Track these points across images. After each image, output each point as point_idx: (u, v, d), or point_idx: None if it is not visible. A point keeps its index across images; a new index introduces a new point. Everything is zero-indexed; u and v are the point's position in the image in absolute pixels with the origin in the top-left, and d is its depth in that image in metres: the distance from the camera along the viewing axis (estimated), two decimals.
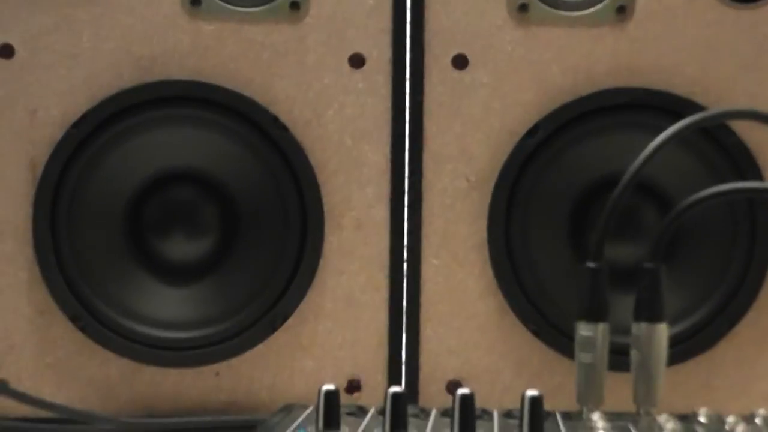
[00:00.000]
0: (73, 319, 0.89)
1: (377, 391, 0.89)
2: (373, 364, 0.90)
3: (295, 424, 0.68)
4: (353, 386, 0.90)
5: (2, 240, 0.90)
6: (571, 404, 0.76)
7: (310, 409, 0.74)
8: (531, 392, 0.67)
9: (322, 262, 0.90)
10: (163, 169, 0.90)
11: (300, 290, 0.90)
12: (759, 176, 0.89)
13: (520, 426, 0.66)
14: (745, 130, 0.89)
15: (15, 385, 0.87)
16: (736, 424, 0.69)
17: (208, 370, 0.90)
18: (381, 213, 0.90)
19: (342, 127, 0.91)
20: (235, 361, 0.90)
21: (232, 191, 0.90)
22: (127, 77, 0.90)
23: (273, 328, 0.90)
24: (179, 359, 0.89)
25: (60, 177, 0.90)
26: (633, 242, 0.89)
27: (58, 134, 0.90)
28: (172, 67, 0.90)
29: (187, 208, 0.91)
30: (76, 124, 0.90)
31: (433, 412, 0.74)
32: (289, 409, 0.75)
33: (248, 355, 0.90)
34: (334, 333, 0.90)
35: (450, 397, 0.87)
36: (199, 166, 0.90)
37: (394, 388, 0.67)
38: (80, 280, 0.89)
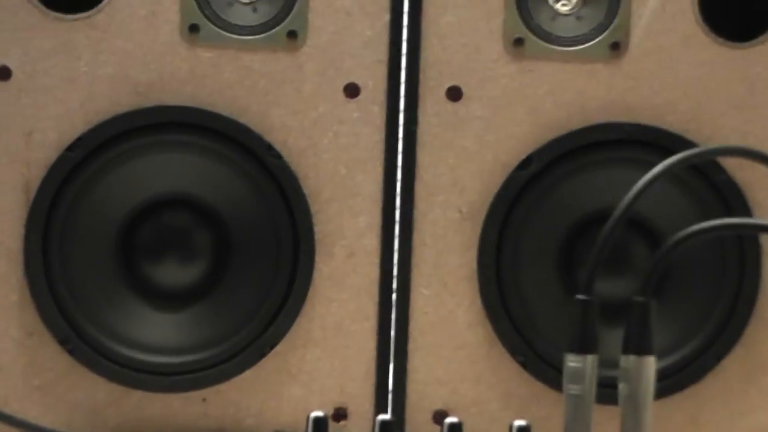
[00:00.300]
0: (62, 341, 0.89)
1: (364, 420, 0.89)
2: (361, 393, 0.90)
3: None
4: (340, 414, 0.90)
5: None
6: None
7: None
8: (519, 422, 0.68)
9: (312, 289, 0.90)
10: (157, 195, 0.91)
11: (290, 317, 0.90)
12: (748, 213, 0.90)
13: None
14: (735, 167, 0.90)
15: (2, 407, 0.87)
16: None
17: (195, 396, 0.90)
18: (372, 242, 0.91)
19: (336, 156, 0.91)
20: (222, 387, 0.90)
21: (225, 218, 0.91)
22: (124, 102, 0.91)
23: (262, 354, 0.90)
24: (167, 384, 0.89)
25: (53, 200, 0.90)
26: (623, 277, 0.89)
27: (53, 157, 0.90)
28: (169, 93, 0.91)
29: (180, 234, 0.91)
30: (72, 148, 0.90)
31: None
32: None
33: (236, 381, 0.90)
34: (322, 361, 0.90)
35: (437, 428, 0.87)
36: (192, 193, 0.91)
37: (383, 416, 0.68)
38: (70, 303, 0.89)
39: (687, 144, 0.88)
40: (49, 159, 0.90)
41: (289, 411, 0.90)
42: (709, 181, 0.90)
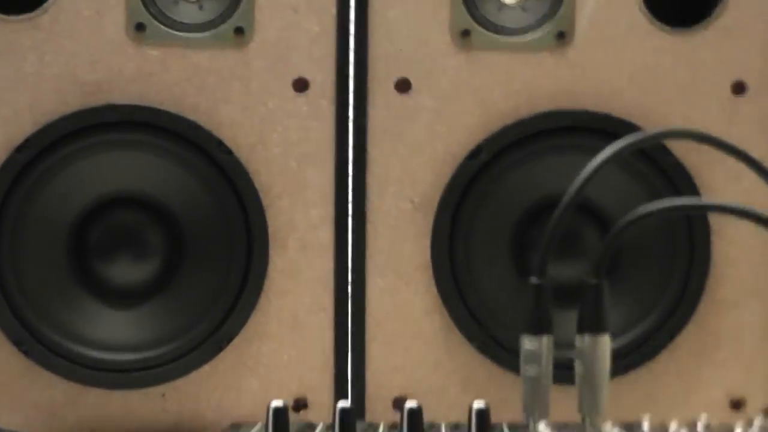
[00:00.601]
0: (16, 342, 0.89)
1: (324, 410, 0.89)
2: (320, 383, 0.90)
3: None
4: (300, 405, 0.90)
5: None
6: (516, 418, 0.77)
7: (259, 425, 0.74)
8: (478, 404, 0.68)
9: (267, 283, 0.91)
10: (107, 194, 0.90)
11: (245, 311, 0.90)
12: (696, 195, 0.91)
13: None
14: (682, 151, 0.91)
15: None
16: (678, 431, 0.70)
17: (154, 392, 0.90)
18: (325, 234, 0.91)
19: (286, 151, 0.91)
20: (180, 382, 0.90)
21: (176, 215, 0.91)
22: (72, 102, 0.90)
23: (219, 348, 0.90)
24: (124, 381, 0.89)
25: (3, 201, 0.89)
26: (574, 262, 0.90)
27: (2, 158, 0.89)
28: (117, 92, 0.91)
29: (132, 232, 0.91)
30: (20, 149, 0.89)
31: (381, 426, 0.74)
32: (237, 427, 0.75)
33: (194, 375, 0.90)
34: (279, 353, 0.91)
35: (397, 414, 0.87)
36: (143, 190, 0.91)
37: (342, 403, 0.68)
38: (24, 304, 0.89)
39: (634, 129, 0.90)
40: None
41: (248, 403, 0.90)
42: (657, 164, 0.91)
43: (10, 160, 0.89)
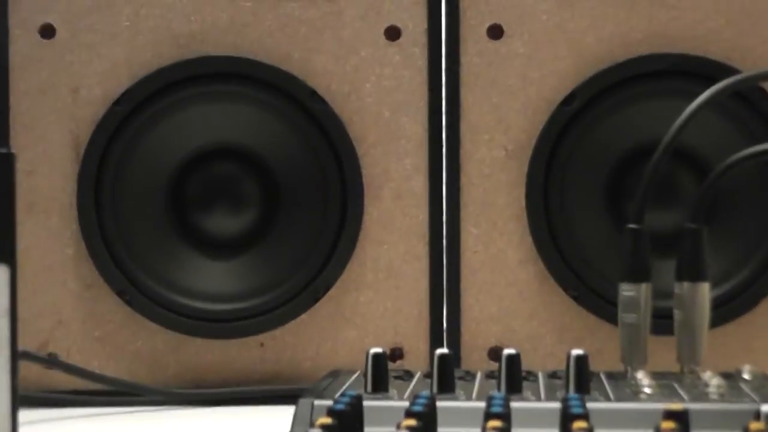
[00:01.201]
0: (120, 293, 0.91)
1: (419, 359, 0.90)
2: (415, 333, 0.91)
3: (344, 387, 0.69)
4: (396, 354, 0.91)
5: (48, 217, 0.91)
6: (613, 368, 0.77)
7: (357, 373, 0.75)
8: (576, 351, 0.68)
9: (362, 233, 0.91)
10: (204, 145, 0.92)
11: (341, 261, 0.91)
12: None
13: (567, 385, 0.67)
14: None
15: (64, 359, 0.88)
16: None
17: (252, 341, 0.91)
18: (419, 184, 0.91)
19: (380, 100, 0.92)
20: (278, 332, 0.91)
21: (272, 165, 0.91)
22: (167, 55, 0.91)
23: (315, 298, 0.91)
24: (224, 331, 0.91)
25: (103, 154, 0.91)
26: (671, 208, 0.89)
27: (101, 112, 0.91)
28: (211, 43, 0.91)
29: (228, 183, 0.92)
30: (118, 102, 0.91)
31: (479, 374, 0.74)
32: (336, 374, 0.76)
33: (291, 325, 0.91)
34: (375, 303, 0.91)
35: (492, 364, 0.88)
36: (238, 141, 0.92)
37: (441, 350, 0.68)
38: (125, 255, 0.90)
39: (731, 72, 0.88)
40: (96, 114, 0.91)
41: (345, 353, 0.91)
42: (755, 108, 0.90)
43: (108, 114, 0.91)
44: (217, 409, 0.87)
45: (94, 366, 0.89)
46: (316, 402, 0.64)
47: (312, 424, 0.60)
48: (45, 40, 0.91)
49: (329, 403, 0.57)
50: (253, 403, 0.87)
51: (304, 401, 0.64)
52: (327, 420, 0.53)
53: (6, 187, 0.44)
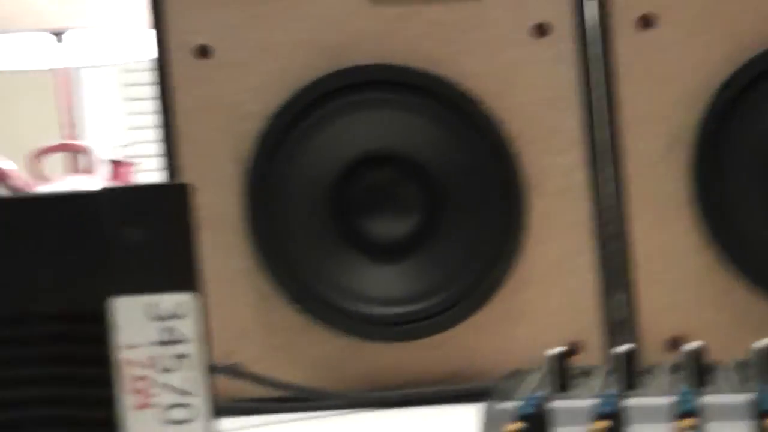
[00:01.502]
0: (294, 301, 0.93)
1: (595, 354, 0.90)
2: (589, 327, 0.91)
3: (527, 388, 0.70)
4: (573, 350, 0.91)
5: (222, 232, 0.93)
6: None
7: (537, 372, 0.75)
8: (763, 342, 0.68)
9: (526, 231, 0.92)
10: (361, 152, 0.93)
11: (508, 260, 0.92)
12: None
13: (755, 377, 0.67)
14: None
15: (250, 368, 0.91)
16: None
17: (425, 344, 0.92)
18: (580, 177, 0.92)
19: (532, 97, 0.92)
20: (451, 333, 0.92)
21: (431, 169, 0.93)
22: (319, 66, 0.93)
23: (485, 298, 0.92)
24: (398, 334, 0.92)
25: (265, 167, 0.93)
26: None
27: (260, 127, 0.93)
28: (361, 53, 0.93)
29: (389, 188, 0.94)
30: (276, 116, 0.93)
31: (661, 368, 0.74)
32: (516, 374, 0.76)
33: (464, 326, 0.92)
34: (545, 299, 0.92)
35: (670, 355, 0.88)
36: (395, 147, 0.93)
37: (625, 346, 0.69)
38: (296, 264, 0.92)
39: None
40: (256, 129, 0.93)
41: (519, 350, 0.92)
42: None
43: (268, 128, 0.93)
44: (397, 410, 0.88)
45: (277, 374, 0.91)
46: (502, 405, 0.65)
47: (499, 429, 0.61)
48: (202, 60, 0.94)
49: (516, 405, 0.58)
50: (432, 404, 0.89)
51: (490, 405, 0.65)
52: (517, 425, 0.54)
53: (184, 218, 0.46)
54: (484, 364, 0.92)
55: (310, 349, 0.93)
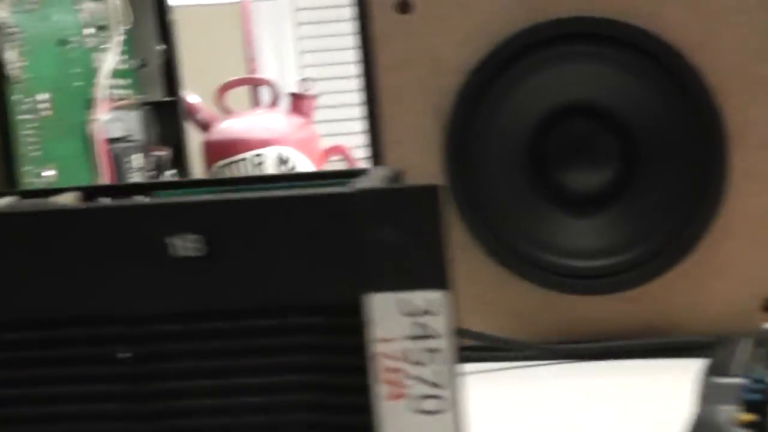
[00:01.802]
0: (492, 254, 0.95)
1: None
2: None
3: (741, 362, 0.69)
4: None
5: None
6: None
7: (746, 341, 0.74)
8: None
9: (727, 184, 0.91)
10: (560, 105, 0.94)
11: (708, 213, 0.91)
12: None
13: None
14: None
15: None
16: None
17: (621, 297, 0.93)
18: None
19: (736, 48, 0.91)
20: (648, 286, 0.93)
21: (629, 121, 0.93)
22: (520, 20, 0.94)
23: (684, 251, 0.92)
24: (594, 287, 0.93)
25: (465, 121, 0.95)
26: None
27: (460, 81, 0.94)
28: (561, 5, 0.93)
29: (587, 141, 0.94)
30: (476, 70, 0.94)
31: None
32: (727, 343, 0.75)
33: (661, 279, 0.92)
34: (746, 253, 0.91)
35: None
36: (594, 99, 0.93)
37: None
38: (494, 217, 0.94)
39: None
40: (456, 83, 0.95)
41: (718, 304, 0.92)
42: None
43: (468, 82, 0.94)
44: (592, 363, 0.90)
45: (474, 325, 0.93)
46: (720, 380, 0.65)
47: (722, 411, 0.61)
48: (403, 15, 0.95)
49: (735, 384, 0.58)
50: (628, 357, 0.90)
51: (709, 380, 0.65)
52: (750, 417, 0.55)
53: (436, 219, 0.48)
54: (679, 318, 0.92)
55: (506, 300, 0.95)
